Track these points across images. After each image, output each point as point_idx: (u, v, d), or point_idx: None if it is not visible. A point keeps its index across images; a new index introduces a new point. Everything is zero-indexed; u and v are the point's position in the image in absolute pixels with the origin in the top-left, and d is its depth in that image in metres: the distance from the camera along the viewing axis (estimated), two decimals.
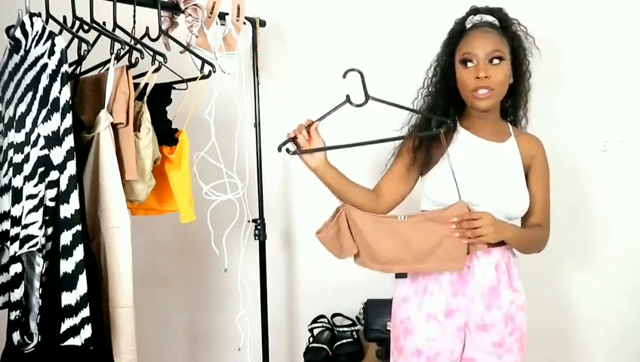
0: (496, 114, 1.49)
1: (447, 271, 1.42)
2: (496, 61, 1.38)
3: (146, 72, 1.39)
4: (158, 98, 1.49)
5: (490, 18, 1.47)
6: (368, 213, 1.44)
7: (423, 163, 1.48)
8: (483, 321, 1.43)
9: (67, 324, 1.20)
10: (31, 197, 1.18)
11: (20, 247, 1.17)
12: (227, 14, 1.63)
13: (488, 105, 1.41)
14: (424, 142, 1.47)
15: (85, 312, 1.20)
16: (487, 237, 1.35)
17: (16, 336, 1.23)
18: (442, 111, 1.49)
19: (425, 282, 1.47)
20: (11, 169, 1.22)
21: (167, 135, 1.50)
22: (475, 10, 1.47)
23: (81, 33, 1.40)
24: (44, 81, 1.20)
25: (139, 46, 1.38)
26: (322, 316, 2.07)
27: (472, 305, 1.43)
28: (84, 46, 1.30)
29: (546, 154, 1.51)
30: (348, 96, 1.38)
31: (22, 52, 1.24)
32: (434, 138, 1.45)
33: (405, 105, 1.48)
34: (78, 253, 1.20)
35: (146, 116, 1.40)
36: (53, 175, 1.20)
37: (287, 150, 1.42)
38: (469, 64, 1.40)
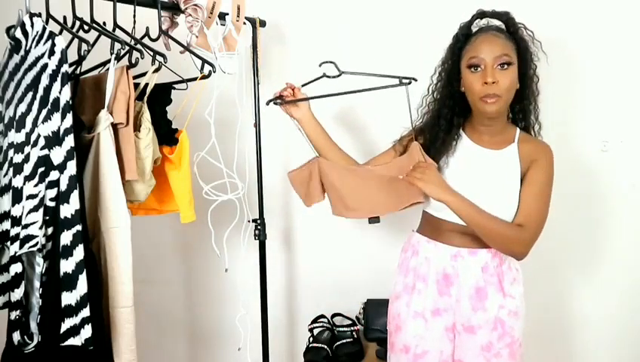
0: (503, 120, 1.46)
1: (408, 205, 1.47)
2: (504, 66, 1.36)
3: (146, 72, 1.39)
4: (159, 98, 1.49)
5: (496, 22, 1.44)
6: (340, 165, 1.52)
7: None
8: (470, 323, 1.43)
9: (67, 324, 1.20)
10: (31, 197, 1.18)
11: (20, 247, 1.17)
12: (227, 14, 1.63)
13: (496, 110, 1.37)
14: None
15: (85, 312, 1.20)
16: (419, 181, 1.36)
17: (16, 336, 1.23)
18: (448, 118, 1.49)
19: (413, 280, 1.48)
20: (11, 169, 1.21)
21: (167, 135, 1.50)
22: (481, 14, 1.44)
23: (81, 33, 1.39)
24: (45, 81, 1.20)
25: (139, 46, 1.38)
26: (322, 316, 2.07)
27: (458, 305, 1.44)
28: (84, 46, 1.30)
29: (552, 163, 1.44)
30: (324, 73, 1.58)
31: (22, 52, 1.23)
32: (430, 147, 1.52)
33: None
34: (78, 253, 1.20)
35: (146, 116, 1.40)
36: (54, 175, 1.20)
37: (275, 102, 1.59)
38: (477, 69, 1.37)
